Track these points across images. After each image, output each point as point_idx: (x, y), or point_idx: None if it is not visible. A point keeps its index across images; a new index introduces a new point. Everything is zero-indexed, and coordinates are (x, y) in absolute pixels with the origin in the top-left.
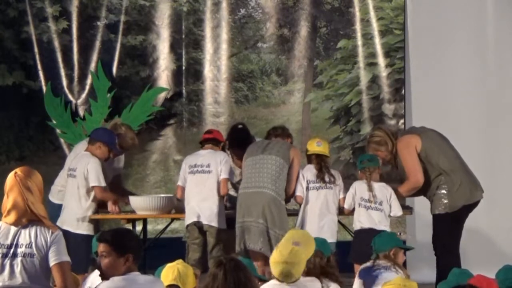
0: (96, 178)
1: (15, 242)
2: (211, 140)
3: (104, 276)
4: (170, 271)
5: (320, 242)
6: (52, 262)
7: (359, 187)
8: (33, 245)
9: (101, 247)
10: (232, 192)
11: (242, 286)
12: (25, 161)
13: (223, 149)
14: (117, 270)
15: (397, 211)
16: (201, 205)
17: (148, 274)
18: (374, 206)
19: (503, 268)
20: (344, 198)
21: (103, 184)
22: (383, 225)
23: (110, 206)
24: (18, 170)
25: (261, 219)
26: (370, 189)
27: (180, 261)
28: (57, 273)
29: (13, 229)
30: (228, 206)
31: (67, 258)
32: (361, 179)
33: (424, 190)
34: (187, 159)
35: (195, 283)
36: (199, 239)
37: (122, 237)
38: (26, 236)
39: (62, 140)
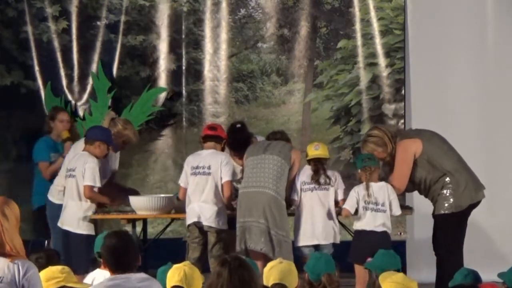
0: (91, 178)
1: None
2: (214, 138)
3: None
4: (176, 272)
5: (325, 261)
6: None
7: (361, 190)
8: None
9: None
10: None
11: (246, 285)
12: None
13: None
14: None
15: (396, 210)
16: (202, 207)
17: (148, 274)
18: (377, 208)
19: (509, 270)
20: (344, 200)
21: (98, 184)
22: (386, 227)
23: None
24: None
25: (262, 219)
26: (367, 188)
27: (187, 262)
28: None
29: None
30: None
31: None
32: (360, 178)
33: (425, 191)
34: (188, 159)
35: (201, 285)
36: (199, 238)
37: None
38: None
39: None
